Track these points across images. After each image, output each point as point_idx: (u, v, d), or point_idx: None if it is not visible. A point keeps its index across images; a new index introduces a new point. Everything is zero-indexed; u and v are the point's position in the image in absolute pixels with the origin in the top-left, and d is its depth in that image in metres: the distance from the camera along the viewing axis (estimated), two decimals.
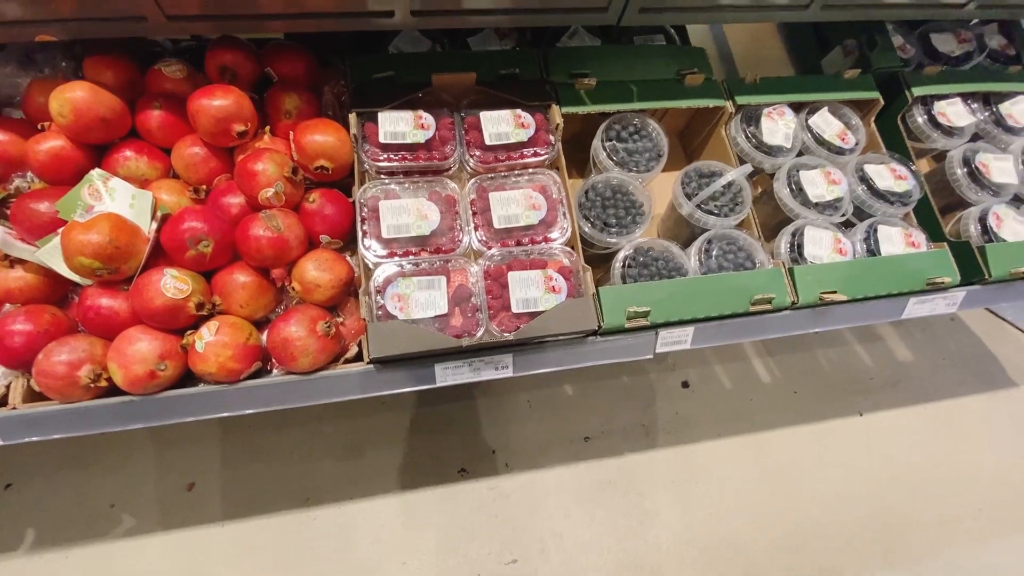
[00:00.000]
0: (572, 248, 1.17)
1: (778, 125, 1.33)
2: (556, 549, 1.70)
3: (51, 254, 0.99)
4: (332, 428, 1.84)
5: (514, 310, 1.07)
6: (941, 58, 1.58)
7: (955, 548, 1.80)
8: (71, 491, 1.65)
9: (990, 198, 1.40)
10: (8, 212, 1.07)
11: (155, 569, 1.56)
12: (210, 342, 0.98)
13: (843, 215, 1.30)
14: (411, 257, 1.10)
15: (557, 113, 1.24)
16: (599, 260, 1.28)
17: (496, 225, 1.15)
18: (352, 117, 1.16)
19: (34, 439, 0.97)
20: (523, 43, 1.43)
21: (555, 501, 1.78)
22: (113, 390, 1.00)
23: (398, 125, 1.17)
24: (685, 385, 2.06)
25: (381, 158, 1.17)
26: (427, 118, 1.19)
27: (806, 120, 1.38)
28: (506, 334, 1.06)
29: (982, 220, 1.35)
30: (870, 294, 1.22)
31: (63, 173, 1.08)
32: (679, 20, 1.24)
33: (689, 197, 1.25)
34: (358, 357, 1.11)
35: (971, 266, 1.29)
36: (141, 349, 0.95)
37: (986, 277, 1.28)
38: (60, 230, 0.98)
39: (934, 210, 1.37)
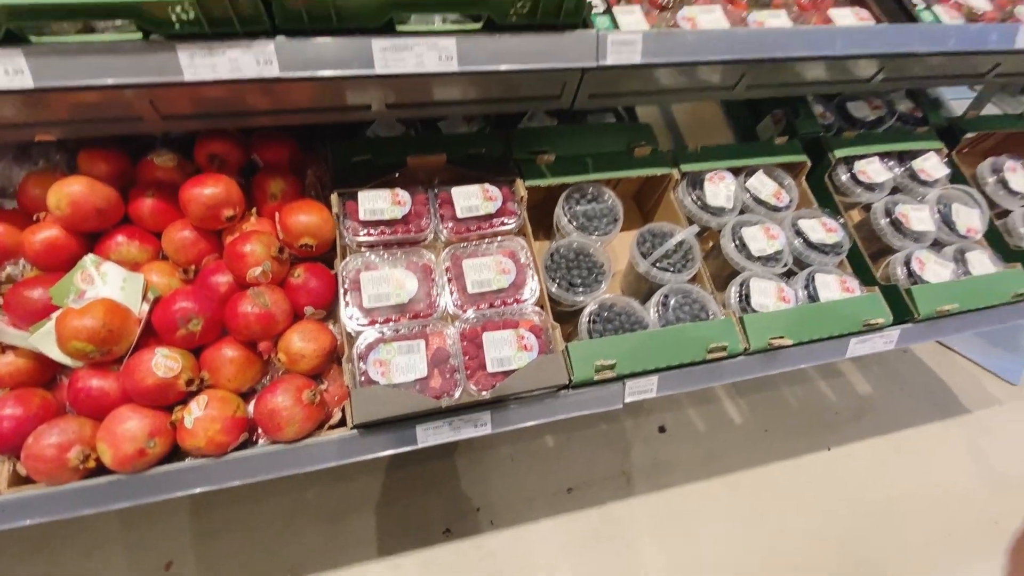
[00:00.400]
0: (541, 307, 1.26)
1: (719, 188, 1.49)
2: None
3: (44, 339, 1.03)
4: (314, 494, 1.83)
5: (489, 369, 1.15)
6: (857, 123, 1.80)
7: (930, 574, 1.85)
8: None
9: (912, 244, 1.57)
10: (1, 300, 1.11)
11: None
12: (199, 417, 1.02)
13: (784, 266, 1.44)
14: (391, 323, 1.18)
15: (521, 186, 1.37)
16: (567, 317, 1.38)
17: (470, 290, 1.25)
18: (334, 197, 1.27)
19: (25, 523, 0.98)
20: (488, 125, 1.58)
21: (542, 558, 1.78)
22: (99, 470, 1.02)
23: (376, 202, 1.28)
24: (662, 430, 2.13)
25: (361, 233, 1.26)
26: (403, 195, 1.30)
27: (744, 182, 1.54)
28: (483, 392, 1.13)
29: (907, 264, 1.51)
30: (814, 337, 1.34)
31: (57, 260, 1.14)
32: (624, 103, 1.41)
33: (645, 256, 1.38)
34: (342, 423, 1.16)
35: (901, 307, 1.43)
36: (131, 428, 0.98)
37: (916, 316, 1.41)
38: (54, 316, 1.03)
39: (864, 257, 1.52)
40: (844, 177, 1.63)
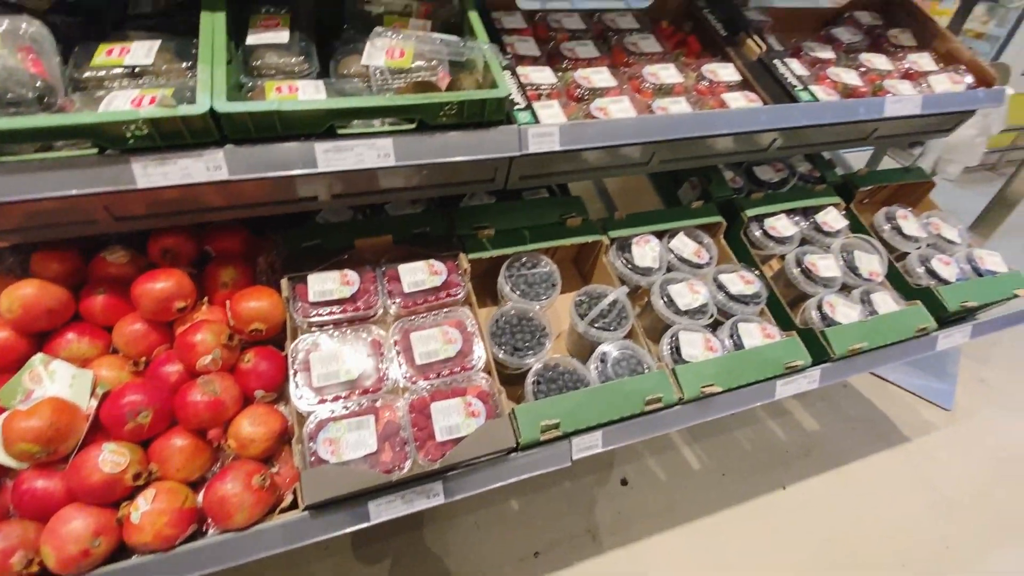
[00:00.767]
0: (489, 373, 1.34)
1: (646, 250, 1.64)
2: None
3: None
4: None
5: (438, 439, 1.19)
6: (764, 184, 2.02)
7: None
8: None
9: (823, 289, 1.74)
10: None
11: None
12: (146, 511, 1.02)
13: (710, 317, 1.57)
14: (341, 401, 1.23)
15: (464, 259, 1.48)
16: (515, 379, 1.45)
17: (418, 361, 1.31)
18: (284, 282, 1.34)
19: None
20: (432, 205, 1.71)
21: None
22: (41, 573, 1.00)
23: (326, 284, 1.35)
24: (624, 482, 2.17)
25: (312, 314, 1.33)
26: (352, 275, 1.39)
27: (668, 244, 1.70)
28: (433, 463, 1.17)
29: (819, 308, 1.67)
30: (742, 382, 1.44)
31: (6, 361, 1.15)
32: (554, 181, 1.56)
33: (582, 317, 1.48)
34: (293, 505, 1.17)
35: (819, 348, 1.57)
36: (75, 528, 0.97)
37: (832, 355, 1.55)
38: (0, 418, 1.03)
39: (783, 304, 1.67)
40: (757, 233, 1.81)
